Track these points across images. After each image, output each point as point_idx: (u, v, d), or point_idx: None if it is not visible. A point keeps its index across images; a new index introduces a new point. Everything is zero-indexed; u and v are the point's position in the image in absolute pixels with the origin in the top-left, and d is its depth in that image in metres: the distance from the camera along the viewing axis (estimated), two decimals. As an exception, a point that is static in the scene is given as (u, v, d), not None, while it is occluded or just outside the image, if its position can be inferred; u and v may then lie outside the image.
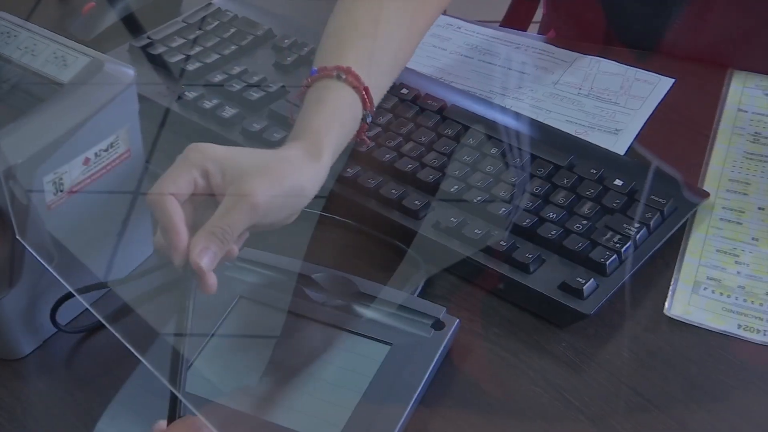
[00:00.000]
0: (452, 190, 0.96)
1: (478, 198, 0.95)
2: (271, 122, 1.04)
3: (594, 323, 0.90)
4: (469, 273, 0.93)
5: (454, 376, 0.86)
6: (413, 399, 0.81)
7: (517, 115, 1.07)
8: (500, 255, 0.91)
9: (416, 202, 0.95)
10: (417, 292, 0.91)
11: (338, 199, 0.98)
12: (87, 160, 0.84)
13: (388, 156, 1.00)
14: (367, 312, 0.87)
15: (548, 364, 0.88)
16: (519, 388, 0.86)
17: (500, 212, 0.94)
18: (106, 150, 0.86)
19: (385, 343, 0.85)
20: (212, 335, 0.86)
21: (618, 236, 0.92)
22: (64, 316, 0.89)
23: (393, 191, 0.96)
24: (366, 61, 0.91)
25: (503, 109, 1.09)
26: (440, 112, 1.05)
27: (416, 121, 1.04)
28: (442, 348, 0.85)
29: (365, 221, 0.97)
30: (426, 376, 0.83)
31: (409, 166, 0.99)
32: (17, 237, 0.80)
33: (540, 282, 0.90)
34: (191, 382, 0.77)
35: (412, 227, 0.95)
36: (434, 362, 0.84)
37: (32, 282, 0.84)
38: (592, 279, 0.89)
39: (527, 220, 0.93)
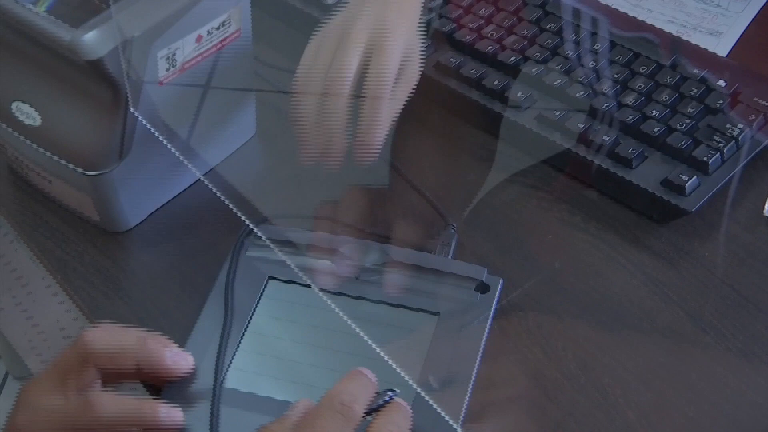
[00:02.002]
0: (555, 84, 0.96)
1: (581, 93, 0.95)
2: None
3: (693, 221, 0.90)
4: (569, 166, 0.93)
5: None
6: (474, 369, 0.77)
7: (619, 13, 1.06)
8: (603, 149, 0.91)
9: (519, 94, 0.95)
10: (451, 254, 0.86)
11: (440, 88, 0.98)
12: (199, 38, 0.85)
13: (490, 48, 1.00)
14: (406, 281, 0.82)
15: (647, 259, 0.88)
16: (617, 280, 0.87)
17: (603, 107, 0.94)
18: (217, 28, 0.86)
19: (432, 313, 0.80)
20: (249, 321, 0.81)
21: (721, 136, 0.92)
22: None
23: (496, 82, 0.96)
24: None
25: (605, 7, 1.08)
26: (542, 6, 1.05)
27: (519, 15, 1.04)
28: (492, 312, 0.81)
29: (465, 112, 0.98)
30: (482, 345, 0.79)
31: (512, 58, 0.99)
32: (131, 109, 0.82)
33: (642, 177, 0.90)
34: (231, 377, 0.77)
35: (514, 119, 0.95)
36: (487, 329, 0.80)
37: (141, 156, 0.86)
38: (695, 176, 0.89)
39: (630, 116, 0.93)
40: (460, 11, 1.04)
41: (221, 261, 0.85)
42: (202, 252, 0.89)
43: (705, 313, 0.84)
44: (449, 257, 0.85)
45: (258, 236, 0.85)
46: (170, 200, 0.93)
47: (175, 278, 0.87)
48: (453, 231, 0.88)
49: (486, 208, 0.92)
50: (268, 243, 0.83)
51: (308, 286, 0.82)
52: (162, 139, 0.83)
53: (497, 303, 0.82)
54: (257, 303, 0.82)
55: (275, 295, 0.83)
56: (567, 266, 0.88)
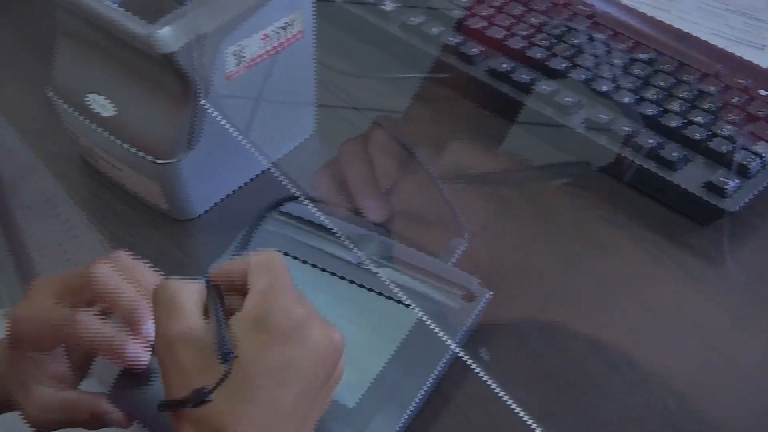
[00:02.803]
0: (603, 89, 1.00)
1: (628, 98, 0.99)
2: (429, 17, 1.09)
3: (734, 223, 0.93)
4: (615, 168, 0.97)
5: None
6: (437, 368, 0.80)
7: (666, 25, 1.10)
8: (647, 152, 0.95)
9: (567, 98, 0.99)
10: (453, 262, 0.89)
11: (492, 92, 1.02)
12: (266, 36, 0.90)
13: (541, 54, 1.04)
14: (401, 277, 0.86)
15: (688, 258, 0.92)
16: (658, 278, 0.90)
17: (648, 112, 0.97)
18: (282, 28, 0.91)
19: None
20: None
21: (762, 142, 0.95)
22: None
23: (545, 87, 1.00)
24: None
25: (653, 19, 1.12)
26: (591, 17, 1.09)
27: (569, 25, 1.08)
28: (471, 320, 0.84)
29: (513, 115, 1.02)
30: (451, 348, 0.82)
31: (561, 65, 1.03)
32: (200, 101, 0.86)
33: (685, 180, 0.94)
34: None
35: (561, 122, 0.99)
36: (461, 333, 0.83)
37: (208, 147, 0.90)
38: (736, 180, 0.92)
39: (675, 121, 0.97)
40: (513, 20, 1.08)
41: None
42: (263, 241, 0.93)
43: (744, 312, 0.88)
44: (449, 264, 0.88)
45: (279, 212, 0.90)
46: (234, 191, 0.97)
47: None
48: (462, 239, 0.91)
49: (526, 208, 0.96)
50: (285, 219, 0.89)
51: (313, 265, 0.87)
52: (231, 129, 0.87)
53: (479, 312, 0.85)
54: None
55: None
56: (609, 264, 0.92)
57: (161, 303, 0.67)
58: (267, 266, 0.68)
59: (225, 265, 0.70)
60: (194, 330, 0.65)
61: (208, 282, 0.68)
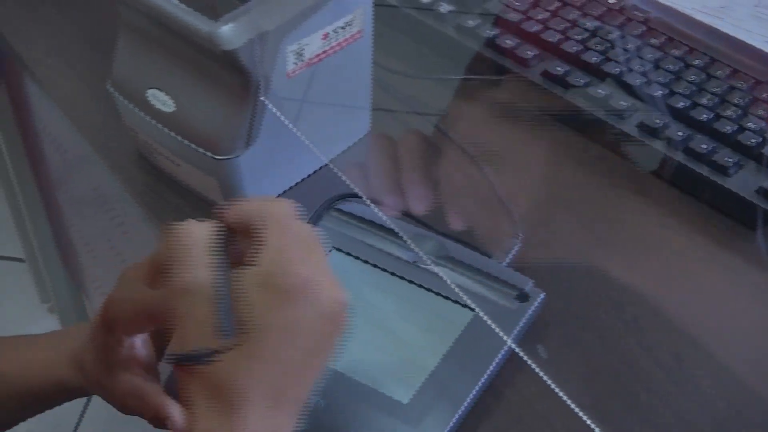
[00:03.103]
0: (657, 94, 1.00)
1: (682, 104, 0.99)
2: (484, 20, 1.10)
3: (787, 228, 0.94)
4: (667, 172, 0.97)
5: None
6: (490, 366, 0.81)
7: (720, 32, 1.10)
8: (701, 157, 0.95)
9: (622, 102, 1.00)
10: (506, 262, 0.90)
11: (546, 95, 1.03)
12: (325, 35, 0.91)
13: (596, 59, 1.05)
14: (456, 276, 0.86)
15: (740, 262, 0.92)
16: (711, 282, 0.91)
17: (702, 117, 0.98)
18: (342, 27, 0.92)
19: (471, 308, 0.84)
20: None
21: (815, 149, 0.96)
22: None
23: (600, 91, 1.01)
24: None
25: (705, 26, 1.12)
26: (645, 23, 1.10)
27: (622, 30, 1.08)
28: (525, 320, 0.85)
29: (568, 118, 1.03)
30: (506, 347, 0.82)
31: (616, 69, 1.03)
32: (261, 98, 0.87)
33: (738, 185, 0.94)
34: None
35: (616, 125, 0.99)
36: (514, 333, 0.84)
37: (266, 143, 0.91)
38: (790, 186, 0.93)
39: (728, 127, 0.97)
40: (567, 24, 1.09)
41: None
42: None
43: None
44: (504, 264, 0.90)
45: (335, 210, 0.92)
46: (288, 189, 0.98)
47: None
48: (516, 240, 0.92)
49: (581, 209, 0.97)
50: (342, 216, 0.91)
51: (368, 262, 0.88)
52: (291, 126, 0.88)
53: (533, 313, 0.86)
54: None
55: (335, 264, 0.88)
56: (660, 267, 0.92)
57: (174, 248, 0.67)
58: (280, 220, 0.68)
59: (238, 208, 0.70)
60: (205, 283, 0.65)
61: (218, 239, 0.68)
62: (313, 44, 0.90)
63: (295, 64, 0.89)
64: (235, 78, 0.87)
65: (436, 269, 0.86)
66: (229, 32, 0.84)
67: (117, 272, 1.06)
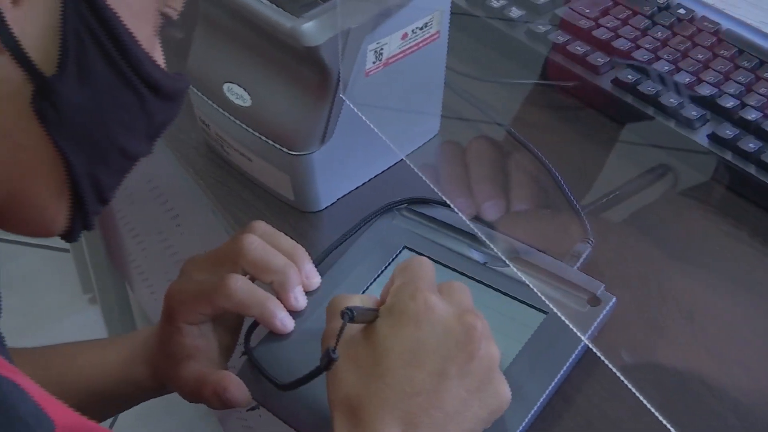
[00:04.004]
0: (728, 105, 1.01)
1: (753, 115, 0.99)
2: (555, 26, 1.10)
3: None
4: (740, 185, 0.98)
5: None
6: (562, 369, 0.81)
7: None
8: (774, 170, 0.96)
9: (693, 113, 1.00)
10: (578, 265, 0.89)
11: (617, 102, 1.03)
12: (404, 35, 0.91)
13: (667, 68, 1.05)
14: (527, 278, 0.85)
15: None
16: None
17: (775, 130, 0.98)
18: (421, 28, 0.92)
19: (541, 311, 0.84)
20: (374, 280, 0.87)
21: None
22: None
23: (671, 100, 1.01)
24: None
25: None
26: (715, 34, 1.10)
27: (693, 40, 1.08)
28: (596, 324, 0.84)
29: (638, 126, 1.03)
30: (577, 350, 0.82)
31: (687, 79, 1.03)
32: (340, 95, 0.88)
33: (809, 196, 0.94)
34: None
35: (686, 135, 0.99)
36: (587, 336, 0.83)
37: (341, 141, 0.92)
38: None
39: (801, 141, 0.97)
40: (638, 32, 1.09)
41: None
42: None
43: None
44: (574, 267, 0.89)
45: (406, 209, 0.92)
46: (358, 187, 0.99)
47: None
48: (588, 245, 0.92)
49: (650, 218, 0.97)
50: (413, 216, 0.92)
51: (439, 263, 0.87)
52: (370, 124, 0.89)
53: (605, 317, 0.85)
54: (387, 266, 0.89)
55: None
56: (728, 276, 0.92)
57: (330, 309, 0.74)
58: (405, 266, 0.74)
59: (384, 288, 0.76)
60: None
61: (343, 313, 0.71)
62: (392, 44, 0.90)
63: (374, 62, 0.90)
64: (315, 74, 0.88)
65: (513, 268, 0.86)
66: (312, 29, 0.84)
67: (166, 265, 1.07)
